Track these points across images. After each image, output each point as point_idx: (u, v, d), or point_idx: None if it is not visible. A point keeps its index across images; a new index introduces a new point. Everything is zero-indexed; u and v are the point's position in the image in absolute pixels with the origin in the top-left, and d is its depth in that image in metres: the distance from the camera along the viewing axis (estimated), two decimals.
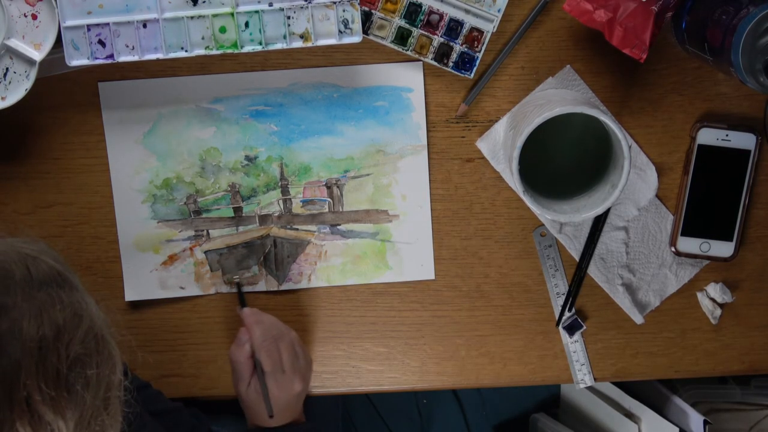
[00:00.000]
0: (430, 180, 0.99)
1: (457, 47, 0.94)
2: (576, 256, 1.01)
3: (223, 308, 1.01)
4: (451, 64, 0.95)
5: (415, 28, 0.93)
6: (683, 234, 0.99)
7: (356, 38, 0.89)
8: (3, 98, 0.89)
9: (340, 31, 0.89)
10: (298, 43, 0.89)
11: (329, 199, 0.99)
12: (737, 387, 1.19)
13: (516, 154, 0.86)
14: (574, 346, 1.02)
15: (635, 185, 0.98)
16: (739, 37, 0.78)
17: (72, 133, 0.98)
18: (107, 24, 0.87)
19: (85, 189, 0.99)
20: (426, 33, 0.93)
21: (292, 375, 0.93)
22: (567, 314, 1.01)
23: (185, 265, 1.00)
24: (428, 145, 0.98)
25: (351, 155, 0.99)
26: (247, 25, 0.88)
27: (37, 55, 0.88)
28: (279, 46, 0.89)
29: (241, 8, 0.88)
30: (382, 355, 1.03)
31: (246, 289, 1.01)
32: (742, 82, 0.81)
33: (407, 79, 0.97)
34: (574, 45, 0.96)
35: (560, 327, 1.02)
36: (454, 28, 0.93)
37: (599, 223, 0.99)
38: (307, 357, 0.96)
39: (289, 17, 0.88)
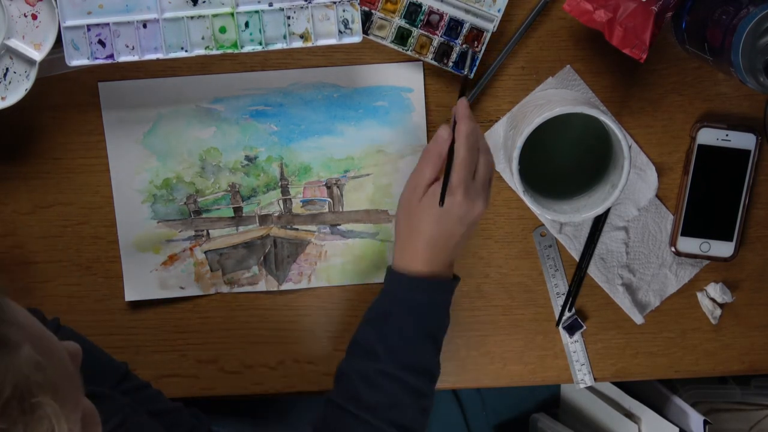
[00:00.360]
0: None
1: (457, 47, 0.94)
2: (576, 256, 1.00)
3: (223, 308, 1.01)
4: (451, 64, 0.94)
5: (415, 28, 0.93)
6: (683, 234, 0.99)
7: (356, 38, 0.89)
8: (3, 98, 0.89)
9: (340, 31, 0.89)
10: (298, 43, 0.89)
11: (329, 199, 0.99)
12: (737, 387, 1.19)
13: (516, 154, 0.86)
14: (574, 346, 1.02)
15: (635, 185, 0.98)
16: (739, 37, 0.78)
17: (72, 133, 0.98)
18: (107, 24, 0.87)
19: (85, 189, 0.99)
20: (426, 33, 0.93)
21: (481, 190, 0.83)
22: (567, 314, 1.01)
23: (185, 265, 1.00)
24: None
25: (351, 155, 0.99)
26: (247, 25, 0.88)
27: (37, 55, 0.88)
28: (279, 46, 0.89)
29: (241, 8, 0.88)
30: None
31: (246, 289, 1.01)
32: (742, 82, 0.81)
33: (407, 79, 0.97)
34: (574, 45, 0.96)
35: (560, 327, 1.02)
36: (454, 27, 0.93)
37: (599, 223, 0.99)
38: (490, 194, 0.86)
39: (289, 17, 0.88)
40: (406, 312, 0.86)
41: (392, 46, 0.94)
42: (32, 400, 0.52)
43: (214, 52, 0.89)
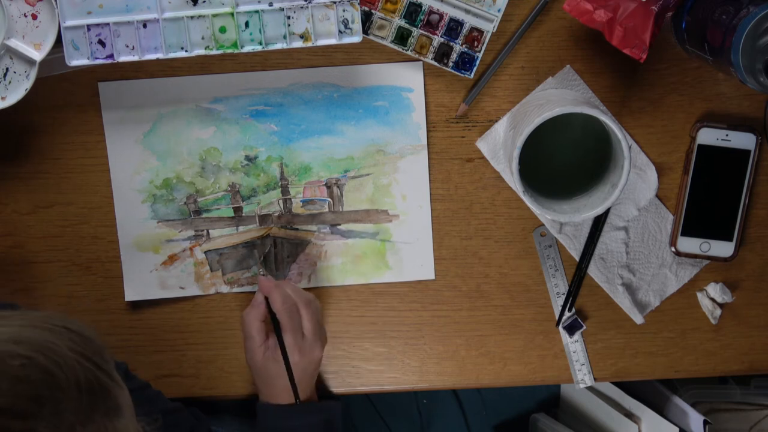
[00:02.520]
0: (430, 180, 0.99)
1: (457, 47, 0.94)
2: (576, 256, 1.00)
3: (223, 308, 1.01)
4: (451, 64, 0.94)
5: (415, 28, 0.93)
6: (683, 234, 0.99)
7: (356, 38, 0.89)
8: (3, 98, 0.89)
9: (340, 31, 0.89)
10: (298, 43, 0.89)
11: (329, 199, 0.99)
12: (737, 387, 1.19)
13: (516, 154, 0.86)
14: (574, 346, 1.02)
15: (635, 185, 0.98)
16: (739, 37, 0.78)
17: (72, 133, 0.98)
18: (107, 24, 0.87)
19: (85, 189, 0.99)
20: (426, 33, 0.93)
21: (314, 340, 0.92)
22: (567, 314, 1.01)
23: (185, 265, 1.00)
24: (428, 145, 0.98)
25: (351, 155, 0.99)
26: (247, 25, 0.88)
27: (37, 55, 0.88)
28: (279, 46, 0.89)
29: (241, 8, 0.88)
30: (382, 355, 1.03)
31: (246, 289, 1.01)
32: (742, 82, 0.81)
33: (407, 79, 0.97)
34: (574, 45, 0.96)
35: (560, 327, 1.01)
36: (454, 28, 0.93)
37: (599, 223, 0.99)
38: (324, 328, 0.96)
39: (289, 17, 0.88)
40: None
41: (392, 46, 0.94)
42: None
43: (214, 52, 0.89)
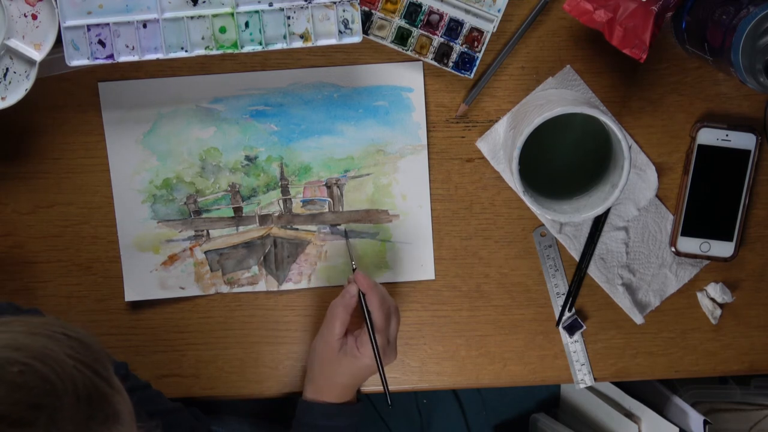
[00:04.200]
0: (430, 180, 0.99)
1: (457, 47, 0.94)
2: (576, 256, 1.00)
3: (223, 308, 1.01)
4: (451, 64, 0.95)
5: (415, 28, 0.93)
6: (683, 234, 0.99)
7: (356, 38, 0.89)
8: (3, 98, 0.89)
9: (340, 31, 0.89)
10: (298, 43, 0.89)
11: (329, 199, 0.99)
12: (737, 387, 1.19)
13: (516, 154, 0.86)
14: (574, 346, 1.02)
15: (635, 185, 0.98)
16: (739, 37, 0.78)
17: (72, 133, 0.98)
18: (107, 24, 0.87)
19: (85, 189, 0.99)
20: (426, 33, 0.93)
21: (393, 348, 0.93)
22: (567, 314, 1.01)
23: (185, 265, 1.00)
24: (428, 145, 0.98)
25: (351, 155, 0.99)
26: (247, 25, 0.88)
27: (37, 55, 0.88)
28: (279, 46, 0.89)
29: (241, 8, 0.88)
30: None
31: (246, 289, 1.01)
32: (742, 82, 0.81)
33: (407, 79, 0.97)
34: (574, 45, 0.96)
35: (560, 327, 1.02)
36: (454, 28, 0.93)
37: (599, 223, 0.99)
38: None
39: (289, 17, 0.88)
40: None
41: (392, 46, 0.94)
42: None
43: (214, 52, 0.89)
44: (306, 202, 1.00)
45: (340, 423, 0.94)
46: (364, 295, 0.92)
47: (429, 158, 0.99)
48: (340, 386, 0.94)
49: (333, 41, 0.89)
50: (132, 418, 0.60)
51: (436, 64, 0.95)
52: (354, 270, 0.95)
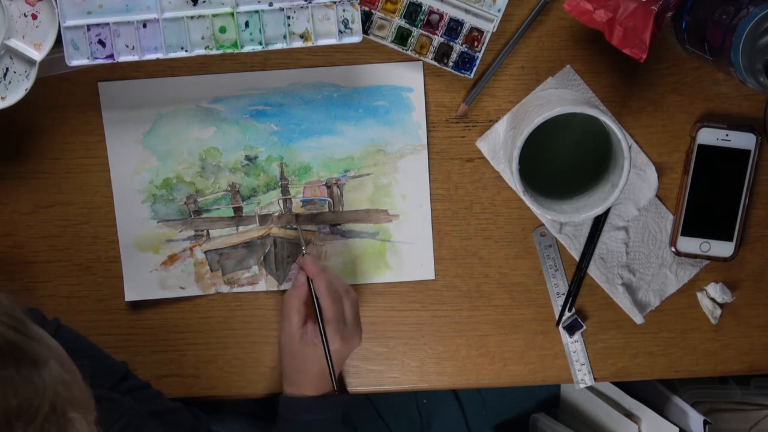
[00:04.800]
0: (430, 180, 0.99)
1: (457, 47, 0.94)
2: (576, 256, 1.00)
3: (223, 308, 1.01)
4: (451, 64, 0.95)
5: (415, 28, 0.93)
6: (683, 234, 0.99)
7: (356, 38, 0.89)
8: (3, 98, 0.89)
9: (340, 31, 0.89)
10: (298, 43, 0.89)
11: (329, 199, 0.99)
12: (737, 387, 1.19)
13: (516, 154, 0.86)
14: (574, 346, 1.02)
15: (635, 185, 0.98)
16: (739, 37, 0.78)
17: (72, 133, 0.98)
18: (107, 24, 0.87)
19: (85, 189, 0.99)
20: (426, 33, 0.93)
21: (354, 328, 0.93)
22: (567, 314, 1.01)
23: (185, 265, 1.00)
24: (428, 144, 0.98)
25: (351, 155, 0.99)
26: (247, 25, 0.88)
27: (37, 55, 0.88)
28: (279, 46, 0.89)
29: (241, 8, 0.88)
30: (382, 355, 1.03)
31: (246, 289, 1.01)
32: (742, 82, 0.81)
33: (407, 78, 0.97)
34: (574, 45, 0.96)
35: (560, 327, 1.02)
36: (454, 28, 0.93)
37: (599, 223, 0.99)
38: (359, 319, 0.96)
39: (289, 17, 0.88)
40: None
41: (392, 46, 0.94)
42: (67, 416, 0.55)
43: (214, 52, 0.89)
44: (306, 202, 1.00)
45: (323, 415, 0.94)
46: (312, 281, 0.92)
47: (429, 158, 0.99)
48: (312, 376, 0.93)
49: (333, 41, 0.89)
50: (62, 362, 0.59)
51: (436, 64, 0.95)
52: (303, 255, 0.95)
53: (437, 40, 0.94)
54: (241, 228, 1.00)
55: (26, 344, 0.57)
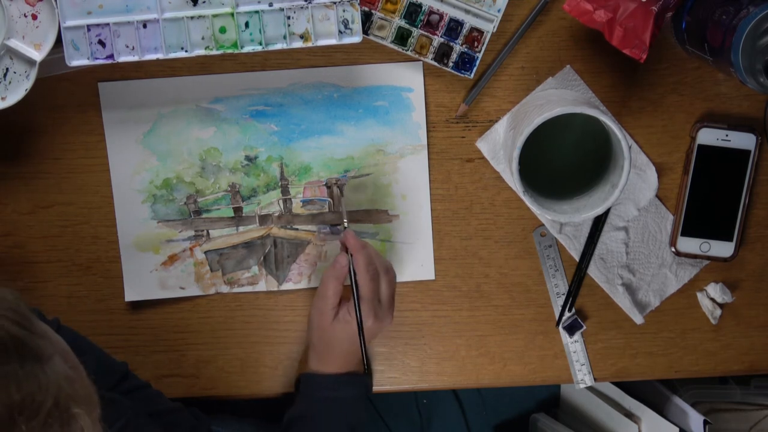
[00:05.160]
0: (430, 180, 0.99)
1: (457, 47, 0.94)
2: (576, 256, 1.00)
3: (223, 308, 1.01)
4: (451, 64, 0.95)
5: (415, 28, 0.93)
6: (683, 234, 0.99)
7: (356, 38, 0.89)
8: (3, 98, 0.89)
9: (340, 32, 0.89)
10: (298, 43, 0.89)
11: (329, 199, 0.99)
12: (737, 387, 1.19)
13: (516, 154, 0.86)
14: (574, 346, 1.02)
15: (635, 185, 0.98)
16: (739, 38, 0.78)
17: (72, 133, 0.98)
18: (107, 24, 0.87)
19: (85, 189, 0.99)
20: (426, 33, 0.93)
21: (389, 308, 0.92)
22: (567, 314, 1.01)
23: (185, 265, 1.00)
24: (428, 145, 0.98)
25: (351, 155, 0.99)
26: (247, 25, 0.88)
27: (37, 55, 0.88)
28: (279, 46, 0.89)
29: (241, 8, 0.88)
30: (382, 355, 1.03)
31: (246, 289, 1.01)
32: (742, 82, 0.81)
33: (407, 79, 0.97)
34: (574, 45, 0.96)
35: (560, 327, 1.02)
36: (454, 28, 0.93)
37: (599, 223, 0.99)
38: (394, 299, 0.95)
39: (289, 17, 0.88)
40: (327, 410, 0.92)
41: (392, 46, 0.94)
42: (70, 412, 0.55)
43: (214, 52, 0.89)
44: (306, 202, 1.00)
45: (345, 394, 0.93)
46: (351, 255, 0.91)
47: (429, 158, 0.99)
48: (341, 353, 0.92)
49: (333, 41, 0.89)
50: (66, 359, 0.59)
51: (436, 64, 0.95)
52: (345, 228, 0.94)
53: (437, 40, 0.94)
54: (241, 228, 1.00)
55: (30, 339, 0.57)
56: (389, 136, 0.98)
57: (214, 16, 0.88)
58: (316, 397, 0.93)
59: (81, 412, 0.57)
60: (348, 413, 0.93)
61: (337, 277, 0.92)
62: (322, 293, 0.92)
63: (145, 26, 0.88)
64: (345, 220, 0.95)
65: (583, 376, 1.02)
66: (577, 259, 1.01)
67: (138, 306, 1.01)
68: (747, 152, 0.97)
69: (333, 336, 0.92)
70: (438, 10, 0.93)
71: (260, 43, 0.89)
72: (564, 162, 0.97)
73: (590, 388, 1.15)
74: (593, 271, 1.01)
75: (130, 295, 1.00)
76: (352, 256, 0.91)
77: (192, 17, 0.88)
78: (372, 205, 1.00)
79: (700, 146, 0.97)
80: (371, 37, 0.94)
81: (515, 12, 0.95)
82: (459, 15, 0.93)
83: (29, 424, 0.53)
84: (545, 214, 0.89)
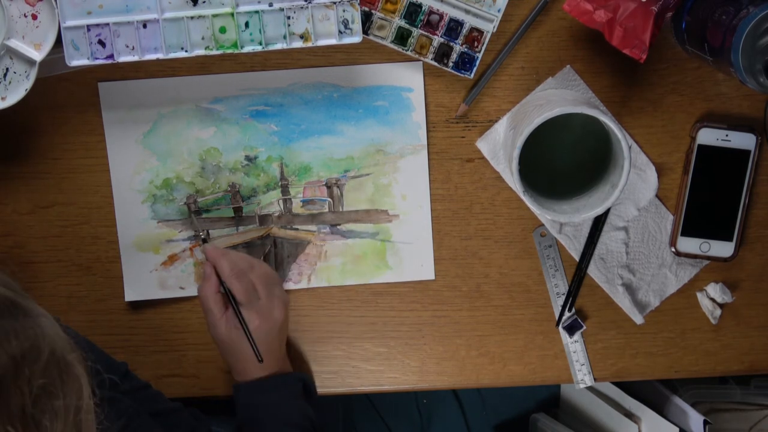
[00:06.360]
0: (430, 180, 0.99)
1: (457, 47, 0.94)
2: (576, 256, 1.00)
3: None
4: (451, 64, 0.95)
5: (415, 28, 0.93)
6: (683, 234, 0.99)
7: (356, 38, 0.89)
8: (3, 98, 0.89)
9: (340, 32, 0.89)
10: (298, 43, 0.89)
11: (329, 199, 0.99)
12: (737, 387, 1.19)
13: (516, 154, 0.86)
14: (574, 346, 1.02)
15: (635, 185, 0.98)
16: (739, 38, 0.78)
17: (72, 133, 0.98)
18: (107, 24, 0.87)
19: (85, 189, 0.99)
20: (426, 33, 0.93)
21: (270, 301, 0.92)
22: (567, 314, 1.01)
23: (185, 265, 1.00)
24: (428, 145, 0.98)
25: (351, 155, 0.99)
26: (247, 25, 0.88)
27: (37, 56, 0.88)
28: (279, 46, 0.89)
29: (241, 8, 0.88)
30: (382, 355, 1.03)
31: None
32: (742, 82, 0.81)
33: (407, 79, 0.97)
34: (574, 45, 0.96)
35: (560, 327, 1.02)
36: (454, 28, 0.93)
37: (599, 223, 0.99)
38: (282, 288, 0.96)
39: (289, 17, 0.88)
40: (265, 414, 0.92)
41: (392, 46, 0.94)
42: (66, 359, 0.60)
43: (214, 52, 0.89)
44: (306, 202, 1.00)
45: (279, 394, 0.93)
46: (216, 268, 0.92)
47: (429, 158, 0.99)
48: (248, 359, 0.93)
49: (333, 41, 0.89)
50: (54, 323, 0.63)
51: (436, 64, 0.95)
52: (203, 242, 0.95)
53: (437, 40, 0.94)
54: (241, 228, 1.00)
55: (20, 299, 0.61)
56: (389, 136, 0.98)
57: (214, 16, 0.88)
58: (254, 405, 0.94)
59: (76, 362, 0.61)
60: (289, 413, 0.93)
61: (211, 288, 0.92)
62: (206, 308, 0.93)
63: (145, 26, 0.88)
64: (201, 234, 0.97)
65: (583, 376, 1.02)
66: (577, 259, 1.01)
67: (138, 306, 1.01)
68: (747, 152, 0.97)
69: (233, 345, 0.92)
70: (438, 10, 0.93)
71: (260, 43, 0.89)
72: (564, 162, 0.97)
73: (590, 388, 1.15)
74: (593, 271, 1.01)
75: (130, 295, 1.00)
76: (216, 267, 0.92)
77: (192, 17, 0.88)
78: (372, 205, 1.00)
79: (700, 146, 0.97)
80: (371, 37, 0.94)
81: (515, 12, 0.95)
82: (459, 15, 0.93)
83: (32, 368, 0.57)
84: (545, 214, 0.89)
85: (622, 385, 1.18)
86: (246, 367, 0.93)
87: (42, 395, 0.57)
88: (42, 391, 0.57)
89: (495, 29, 0.93)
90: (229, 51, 0.89)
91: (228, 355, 0.94)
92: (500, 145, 0.97)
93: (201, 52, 0.88)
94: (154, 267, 1.00)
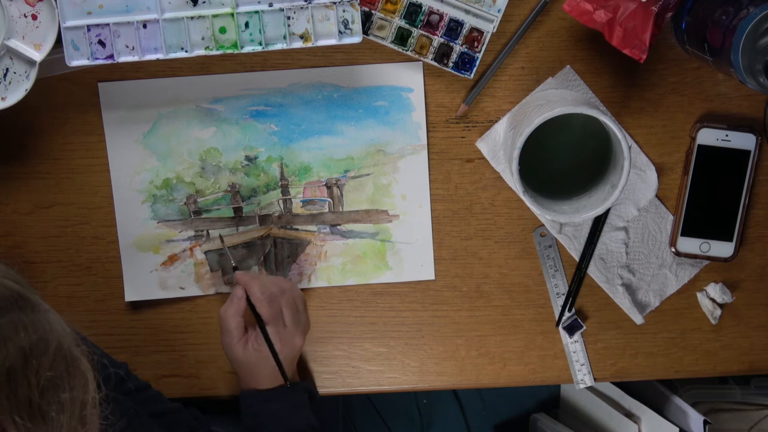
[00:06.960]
0: (430, 180, 0.99)
1: (457, 47, 0.94)
2: (576, 256, 1.01)
3: None
4: (451, 64, 0.95)
5: (415, 29, 0.93)
6: (683, 234, 0.99)
7: (356, 39, 0.89)
8: (3, 98, 0.89)
9: (340, 32, 0.89)
10: (298, 44, 0.89)
11: (329, 199, 0.99)
12: (737, 387, 1.19)
13: (516, 154, 0.86)
14: (574, 346, 1.02)
15: (635, 185, 0.99)
16: (739, 38, 0.78)
17: (72, 133, 0.98)
18: (107, 24, 0.87)
19: (85, 189, 0.99)
20: (426, 33, 0.93)
21: (294, 329, 0.94)
22: (567, 314, 1.01)
23: (185, 265, 1.00)
24: (428, 145, 0.98)
25: (351, 155, 0.99)
26: (247, 25, 0.88)
27: (37, 56, 0.88)
28: (279, 46, 0.89)
29: (241, 8, 0.88)
30: (382, 355, 1.03)
31: None
32: (742, 82, 0.81)
33: (407, 79, 0.97)
34: (574, 45, 0.96)
35: (560, 327, 1.02)
36: (454, 28, 0.93)
37: (599, 223, 0.99)
38: (307, 315, 0.97)
39: (289, 17, 0.88)
40: (271, 422, 0.93)
41: (392, 46, 0.94)
42: (72, 353, 0.62)
43: (214, 52, 0.89)
44: (306, 203, 1.00)
45: (288, 403, 0.94)
46: (246, 290, 0.93)
47: (429, 158, 0.99)
48: (264, 376, 0.94)
49: (333, 41, 0.89)
50: (58, 319, 0.65)
51: (436, 64, 0.95)
52: (234, 270, 0.96)
53: (437, 40, 0.94)
54: (241, 228, 1.00)
55: (28, 293, 0.64)
56: (389, 136, 0.98)
57: (214, 16, 0.88)
58: (259, 413, 0.94)
59: (82, 356, 0.63)
60: (294, 423, 0.94)
61: (237, 311, 0.93)
62: (226, 329, 0.94)
63: (145, 26, 0.88)
64: (232, 261, 0.97)
65: (583, 376, 1.02)
66: (577, 259, 1.01)
67: (138, 306, 1.01)
68: (747, 152, 0.97)
69: (249, 364, 0.94)
70: (438, 10, 0.93)
71: (260, 44, 0.89)
72: (564, 162, 0.97)
73: (590, 388, 1.15)
74: (593, 271, 1.01)
75: (130, 295, 1.01)
76: (246, 290, 0.93)
77: (192, 17, 0.88)
78: (372, 205, 1.00)
79: (700, 146, 0.97)
80: (371, 38, 0.94)
81: (515, 12, 0.95)
82: (459, 15, 0.93)
83: (39, 360, 0.59)
84: (545, 214, 0.89)
85: (622, 385, 1.18)
86: (258, 381, 0.94)
87: (49, 387, 0.59)
88: (49, 384, 0.59)
89: (495, 29, 0.93)
90: (229, 51, 0.89)
91: (242, 372, 0.95)
92: (500, 145, 0.97)
93: (201, 52, 0.88)
94: (154, 267, 1.00)
